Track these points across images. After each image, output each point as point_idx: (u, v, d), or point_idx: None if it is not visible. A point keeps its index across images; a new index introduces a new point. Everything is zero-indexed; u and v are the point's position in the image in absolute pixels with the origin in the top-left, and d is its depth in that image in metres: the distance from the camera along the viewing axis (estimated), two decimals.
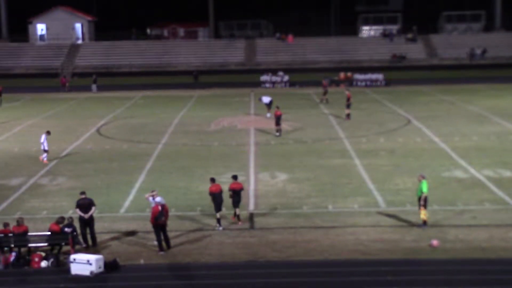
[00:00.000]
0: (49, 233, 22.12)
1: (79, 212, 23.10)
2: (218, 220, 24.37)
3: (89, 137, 43.05)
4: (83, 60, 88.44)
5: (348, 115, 47.41)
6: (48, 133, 36.38)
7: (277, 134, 41.70)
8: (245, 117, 50.50)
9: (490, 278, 19.57)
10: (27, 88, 70.17)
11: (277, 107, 42.87)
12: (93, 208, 23.29)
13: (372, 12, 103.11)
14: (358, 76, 72.06)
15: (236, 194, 25.06)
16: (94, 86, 68.99)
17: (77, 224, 22.89)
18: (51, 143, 40.83)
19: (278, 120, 41.71)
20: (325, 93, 57.10)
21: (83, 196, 23.46)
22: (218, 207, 24.36)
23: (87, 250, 22.23)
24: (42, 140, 35.66)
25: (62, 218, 22.64)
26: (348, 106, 47.52)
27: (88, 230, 23.08)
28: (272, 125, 46.29)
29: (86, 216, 22.96)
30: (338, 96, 56.37)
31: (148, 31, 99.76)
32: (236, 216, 25.12)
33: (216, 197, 24.40)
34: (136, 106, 57.91)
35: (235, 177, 25.76)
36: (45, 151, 35.60)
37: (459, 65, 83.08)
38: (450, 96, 59.66)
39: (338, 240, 22.91)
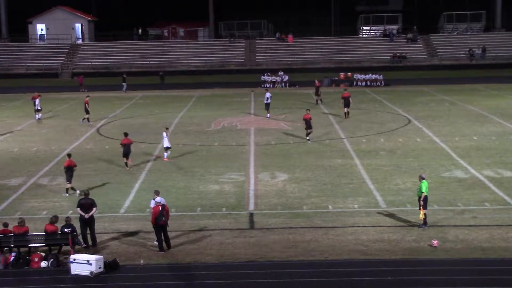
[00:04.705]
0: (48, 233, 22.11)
1: (79, 212, 23.10)
2: (67, 190, 29.32)
3: (89, 137, 43.05)
4: (83, 60, 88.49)
5: (347, 114, 47.90)
6: (167, 129, 36.12)
7: (307, 138, 39.77)
8: (245, 117, 50.49)
9: (490, 278, 19.56)
10: (27, 88, 70.10)
11: (308, 110, 40.76)
12: (94, 209, 23.28)
13: (372, 12, 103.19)
14: (358, 76, 72.02)
15: (126, 147, 33.59)
16: (124, 85, 68.89)
17: (77, 224, 22.89)
18: (52, 143, 40.88)
19: (308, 123, 39.47)
20: (317, 93, 56.58)
21: (85, 196, 23.48)
22: (69, 179, 29.23)
23: (87, 250, 22.21)
24: (165, 137, 35.44)
25: (56, 217, 22.57)
26: (347, 105, 47.81)
27: (88, 231, 23.05)
28: (272, 125, 46.33)
29: (86, 216, 22.96)
30: (338, 96, 56.34)
31: (140, 30, 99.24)
32: (126, 163, 33.80)
33: (68, 170, 29.21)
34: (136, 106, 57.90)
35: (126, 134, 34.43)
36: (167, 148, 35.46)
37: (459, 65, 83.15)
38: (450, 96, 59.64)
39: (338, 240, 22.89)
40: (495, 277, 19.62)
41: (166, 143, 35.48)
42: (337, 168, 33.09)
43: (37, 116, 50.39)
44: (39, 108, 50.52)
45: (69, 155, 30.70)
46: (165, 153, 35.59)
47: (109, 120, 50.03)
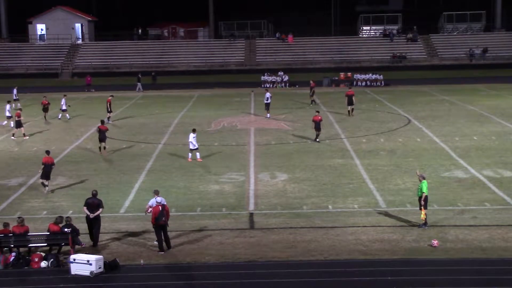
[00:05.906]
0: (48, 233, 22.10)
1: (85, 211, 23.11)
2: (44, 185, 29.53)
3: (89, 137, 43.03)
4: (83, 60, 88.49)
5: (350, 111, 48.73)
6: (193, 131, 35.61)
7: (317, 140, 39.53)
8: (245, 117, 50.49)
9: (490, 278, 19.55)
10: (27, 88, 70.11)
11: (317, 112, 40.99)
12: (100, 209, 23.27)
13: (372, 12, 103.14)
14: (358, 76, 72.02)
15: (101, 133, 36.48)
16: (139, 85, 68.92)
17: (78, 224, 22.86)
18: (52, 143, 40.86)
19: (317, 125, 39.45)
20: (312, 93, 56.45)
21: (93, 196, 23.49)
22: (46, 176, 29.48)
23: (86, 250, 22.18)
24: (190, 139, 35.16)
25: (61, 218, 22.62)
26: (350, 103, 48.27)
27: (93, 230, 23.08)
28: (272, 125, 46.35)
29: (92, 215, 22.96)
30: (338, 96, 56.28)
31: (140, 30, 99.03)
32: (103, 148, 36.86)
33: (46, 167, 29.41)
34: (136, 106, 57.91)
35: (102, 122, 37.88)
36: (192, 150, 35.19)
37: (459, 65, 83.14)
38: (450, 96, 59.66)
39: (338, 240, 22.89)
40: (495, 277, 19.62)
41: (192, 145, 35.13)
42: (337, 168, 33.09)
43: (67, 115, 50.76)
44: (64, 108, 50.83)
45: (47, 152, 30.78)
46: (197, 154, 35.27)
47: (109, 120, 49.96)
